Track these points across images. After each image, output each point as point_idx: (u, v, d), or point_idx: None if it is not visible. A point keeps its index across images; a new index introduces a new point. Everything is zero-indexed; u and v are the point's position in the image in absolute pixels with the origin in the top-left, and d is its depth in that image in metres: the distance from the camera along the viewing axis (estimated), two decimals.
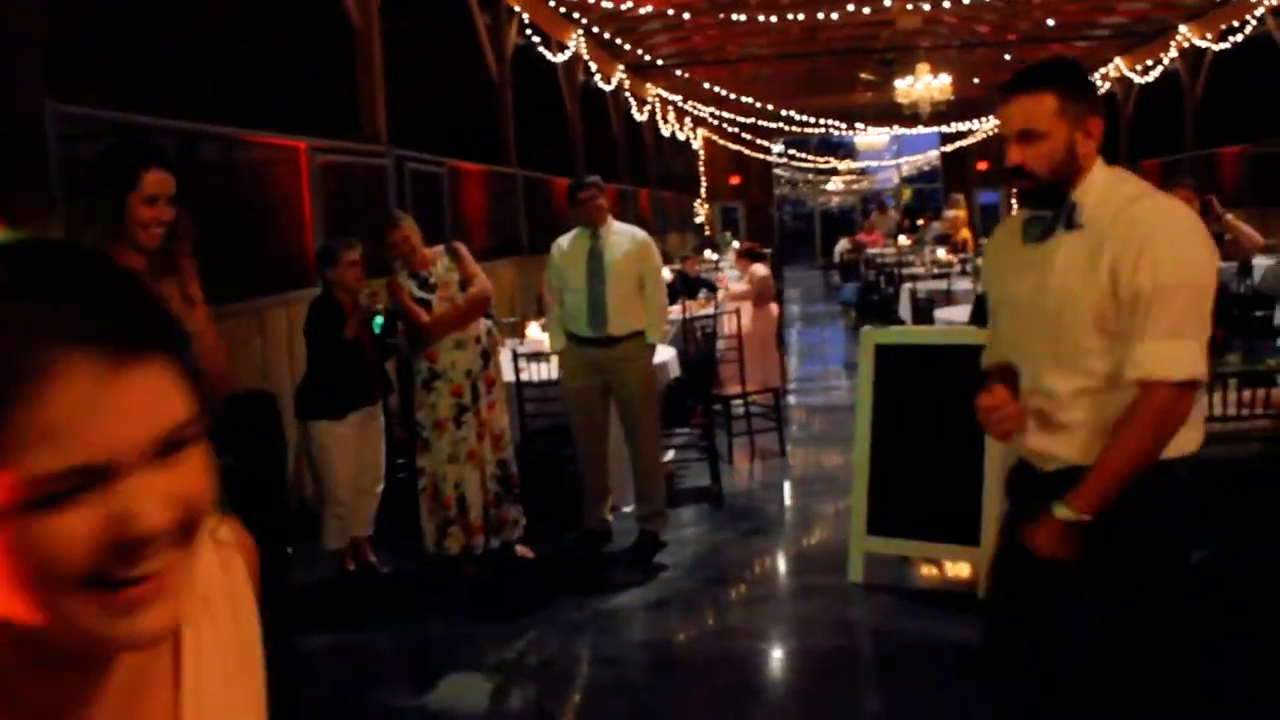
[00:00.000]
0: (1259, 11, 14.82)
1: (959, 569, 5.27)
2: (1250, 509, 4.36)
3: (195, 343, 3.07)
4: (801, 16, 14.88)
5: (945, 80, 18.09)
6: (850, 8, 14.48)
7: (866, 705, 4.20)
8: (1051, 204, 2.47)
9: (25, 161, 4.75)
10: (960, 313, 8.24)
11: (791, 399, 10.06)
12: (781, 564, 5.83)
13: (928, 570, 5.38)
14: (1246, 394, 4.25)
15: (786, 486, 7.31)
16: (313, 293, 5.59)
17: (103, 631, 0.74)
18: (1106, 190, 2.45)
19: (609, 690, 4.34)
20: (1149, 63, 18.68)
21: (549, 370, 6.13)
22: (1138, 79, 19.30)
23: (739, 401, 7.96)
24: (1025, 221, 2.55)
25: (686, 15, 14.60)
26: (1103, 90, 21.53)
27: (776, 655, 4.69)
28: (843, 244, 22.41)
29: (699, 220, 27.18)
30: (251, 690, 1.00)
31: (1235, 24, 15.68)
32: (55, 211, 4.72)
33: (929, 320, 8.78)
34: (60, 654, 0.77)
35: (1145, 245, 2.32)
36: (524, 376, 6.21)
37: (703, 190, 28.40)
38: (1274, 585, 4.36)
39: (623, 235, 5.79)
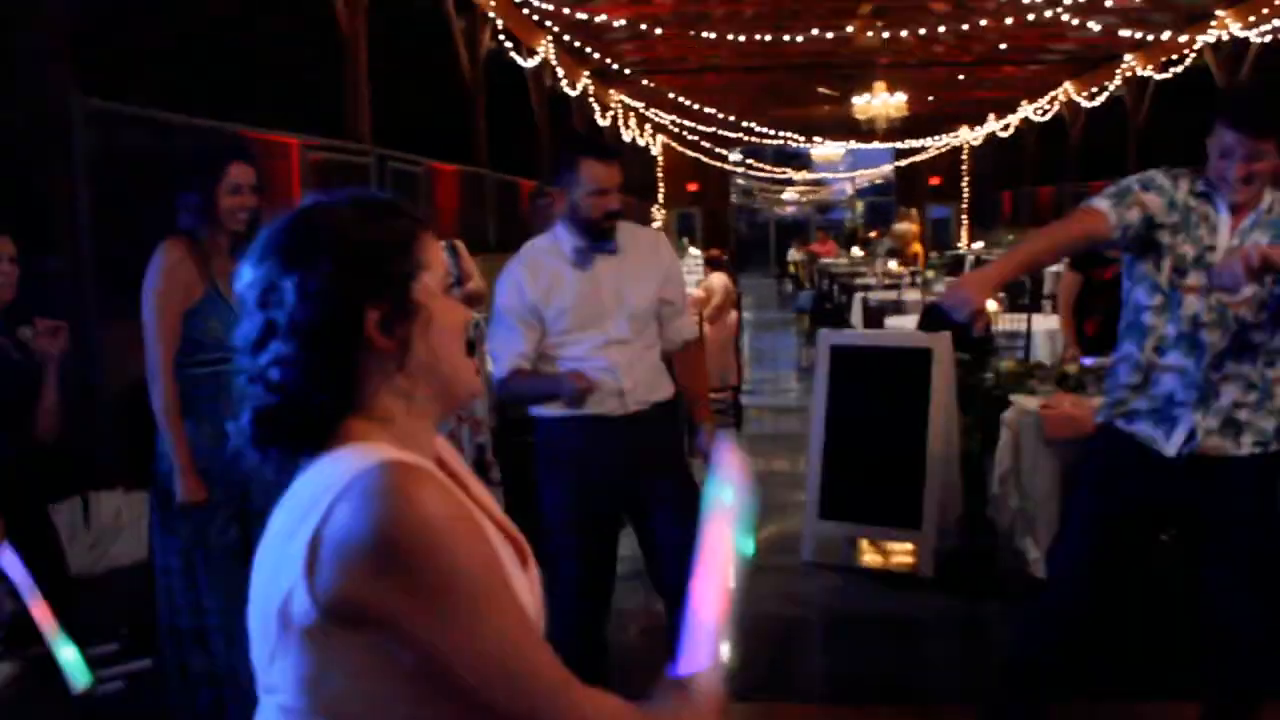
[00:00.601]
0: (1198, 45, 15.59)
1: (901, 550, 5.76)
2: None
3: None
4: (768, 38, 15.38)
5: (901, 98, 18.70)
6: (815, 32, 15.02)
7: (815, 667, 4.68)
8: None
9: (53, 152, 5.12)
10: (909, 321, 8.77)
11: (747, 399, 10.54)
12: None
13: (872, 551, 5.87)
14: None
15: None
16: None
17: (470, 385, 1.37)
18: None
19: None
20: (1096, 89, 19.42)
21: None
22: (1086, 103, 20.06)
23: None
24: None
25: (656, 30, 15.03)
26: (1052, 113, 22.31)
27: (737, 621, 5.13)
28: (794, 253, 22.99)
29: (656, 225, 27.65)
30: None
31: (1176, 56, 16.45)
32: (81, 200, 5.10)
33: (879, 327, 9.30)
34: (451, 405, 1.38)
35: None
36: None
37: (660, 196, 28.87)
38: None
39: None
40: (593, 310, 3.39)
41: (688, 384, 3.76)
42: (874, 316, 10.04)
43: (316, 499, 1.19)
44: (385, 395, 1.30)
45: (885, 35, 15.57)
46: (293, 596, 1.17)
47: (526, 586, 1.33)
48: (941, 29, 15.74)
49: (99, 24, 8.99)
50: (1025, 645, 3.34)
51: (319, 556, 1.16)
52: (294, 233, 1.29)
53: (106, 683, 3.83)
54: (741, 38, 15.50)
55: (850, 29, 15.27)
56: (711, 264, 10.14)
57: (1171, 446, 3.03)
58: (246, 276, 1.30)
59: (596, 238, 3.38)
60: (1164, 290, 3.05)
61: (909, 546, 5.61)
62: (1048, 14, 14.22)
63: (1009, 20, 14.76)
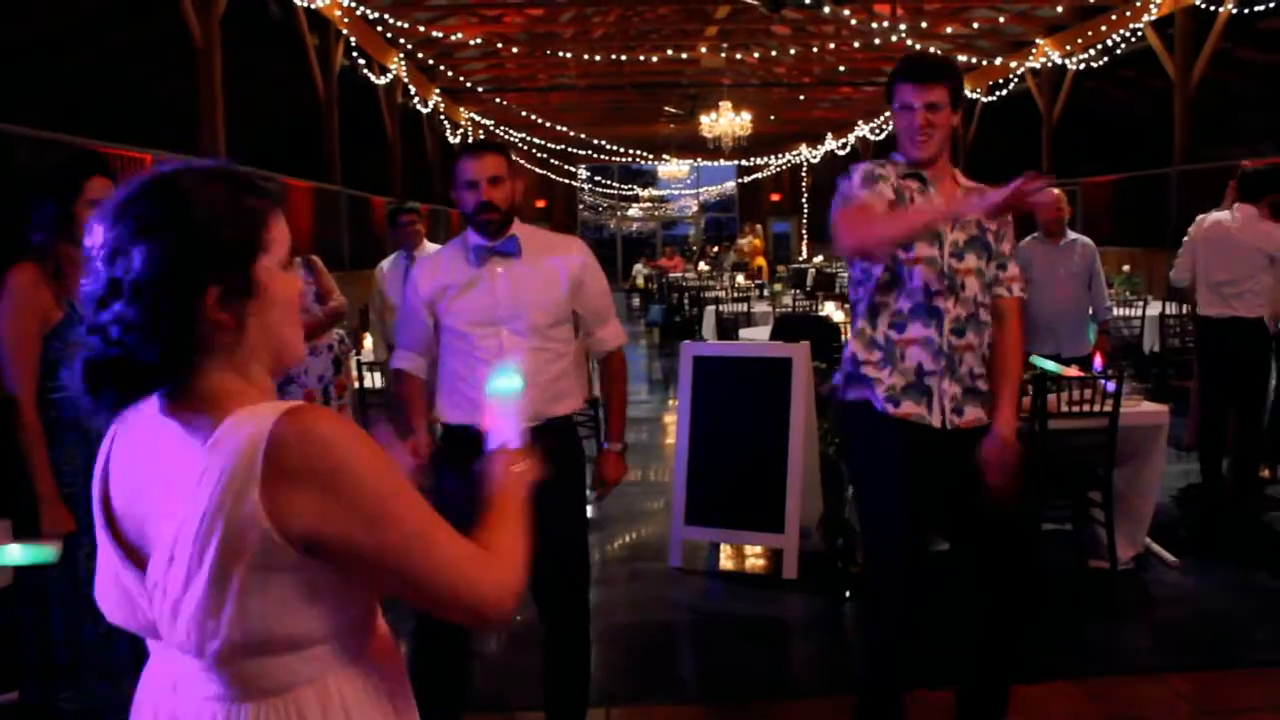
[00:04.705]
0: (1020, 70, 16.59)
1: (763, 554, 6.00)
2: None
3: None
4: (624, 57, 15.63)
5: (747, 116, 19.21)
6: (668, 52, 15.34)
7: (688, 668, 4.86)
8: None
9: None
10: (761, 332, 9.08)
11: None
12: (609, 553, 6.45)
13: (736, 555, 6.10)
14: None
15: None
16: None
17: (297, 355, 1.51)
18: None
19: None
20: None
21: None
22: None
23: None
24: None
25: (512, 49, 15.16)
26: (887, 131, 23.21)
27: (611, 628, 5.28)
28: (640, 267, 23.30)
29: None
30: None
31: (1001, 80, 17.45)
32: None
33: (734, 339, 9.60)
34: (279, 371, 1.51)
35: None
36: (366, 384, 6.66)
37: None
38: None
39: None
40: (486, 312, 3.39)
41: (602, 398, 3.81)
42: (728, 328, 10.35)
43: (240, 461, 1.31)
44: (224, 358, 1.40)
45: (725, 56, 16.04)
46: (248, 541, 1.31)
47: None
48: (774, 53, 16.30)
49: None
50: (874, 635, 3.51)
51: (274, 497, 1.31)
52: (148, 199, 1.36)
53: None
54: (591, 57, 15.74)
55: (701, 49, 15.67)
56: None
57: (935, 418, 3.24)
58: (98, 236, 1.36)
59: (484, 233, 3.37)
60: (890, 266, 3.27)
61: (773, 549, 5.85)
62: (877, 41, 14.87)
63: (832, 45, 15.36)
